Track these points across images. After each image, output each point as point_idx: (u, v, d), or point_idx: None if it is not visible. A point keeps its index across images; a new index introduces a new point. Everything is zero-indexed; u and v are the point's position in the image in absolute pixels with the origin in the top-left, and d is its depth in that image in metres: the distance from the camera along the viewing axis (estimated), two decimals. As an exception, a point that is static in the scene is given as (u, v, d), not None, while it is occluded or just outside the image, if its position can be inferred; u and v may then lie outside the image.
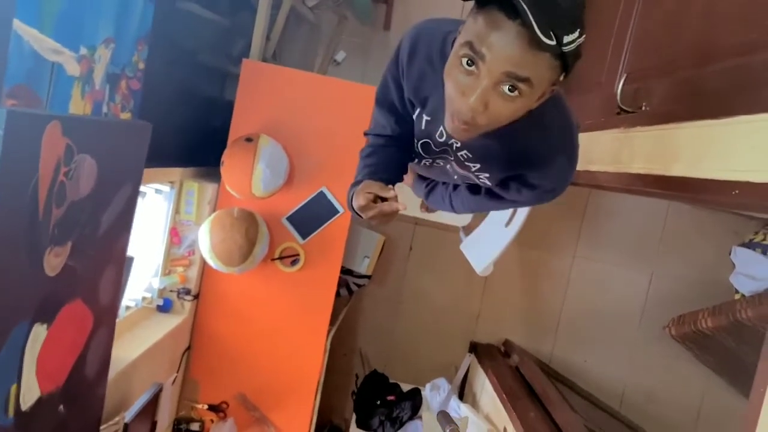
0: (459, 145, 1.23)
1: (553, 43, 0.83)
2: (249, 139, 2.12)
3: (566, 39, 0.85)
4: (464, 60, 0.90)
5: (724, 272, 2.71)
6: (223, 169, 2.13)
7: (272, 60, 2.52)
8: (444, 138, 1.23)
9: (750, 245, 2.64)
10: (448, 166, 1.35)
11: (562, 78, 0.95)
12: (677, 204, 3.08)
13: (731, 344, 2.57)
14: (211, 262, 2.08)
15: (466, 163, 1.26)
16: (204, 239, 2.06)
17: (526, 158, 1.17)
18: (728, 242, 2.83)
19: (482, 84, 0.89)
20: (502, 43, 0.85)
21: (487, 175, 1.26)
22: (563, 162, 1.16)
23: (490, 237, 2.34)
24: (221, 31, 2.40)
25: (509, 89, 0.89)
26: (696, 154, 1.23)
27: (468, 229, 2.54)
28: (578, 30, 0.87)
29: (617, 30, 1.95)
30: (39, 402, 1.26)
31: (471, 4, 0.92)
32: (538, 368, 2.81)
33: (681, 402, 3.17)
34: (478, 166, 1.25)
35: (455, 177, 1.40)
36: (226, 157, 2.13)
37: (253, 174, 2.08)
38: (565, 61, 0.89)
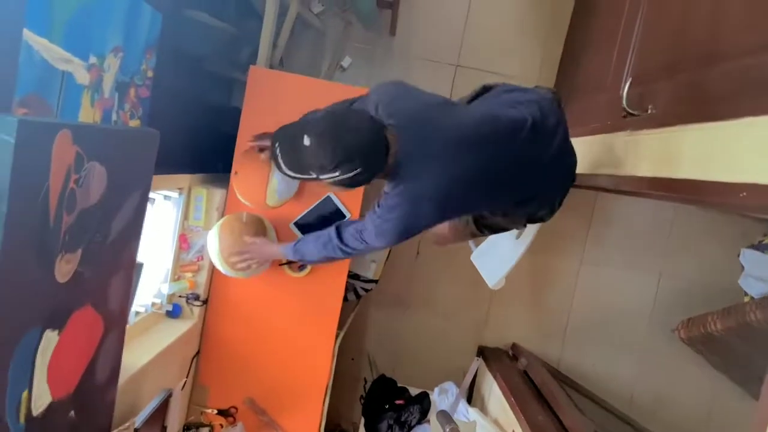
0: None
1: (308, 176, 1.40)
2: (262, 150, 2.13)
3: (323, 176, 1.37)
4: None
5: (732, 275, 2.70)
6: (236, 180, 2.14)
7: (279, 66, 2.54)
8: None
9: (759, 247, 2.63)
10: None
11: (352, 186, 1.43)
12: (684, 206, 3.06)
13: (741, 347, 2.56)
14: (220, 267, 2.09)
15: None
16: (213, 244, 2.07)
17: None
18: (737, 244, 2.82)
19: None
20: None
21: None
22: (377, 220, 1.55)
23: (502, 250, 2.36)
24: (228, 39, 2.41)
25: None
26: (703, 157, 1.23)
27: (477, 240, 2.54)
28: (337, 172, 1.35)
29: (622, 34, 1.95)
30: (50, 408, 1.26)
31: None
32: (546, 372, 2.80)
33: (690, 405, 3.15)
34: None
35: None
36: (239, 168, 2.14)
37: (269, 185, 2.10)
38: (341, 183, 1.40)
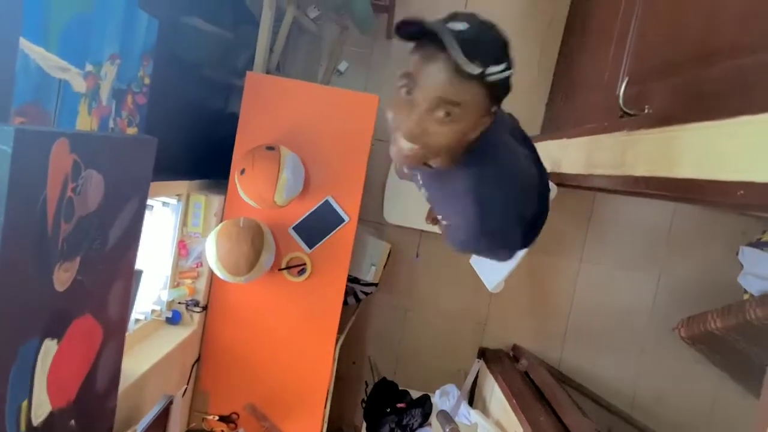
0: (421, 182, 1.34)
1: (479, 71, 0.95)
2: (270, 148, 2.12)
3: (491, 69, 0.97)
4: (403, 90, 1.02)
5: (732, 273, 2.70)
6: (243, 178, 2.11)
7: (276, 72, 2.54)
8: (413, 171, 1.37)
9: (758, 245, 2.63)
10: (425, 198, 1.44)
11: (494, 109, 1.07)
12: (683, 205, 3.07)
13: (741, 345, 2.55)
14: (218, 272, 2.09)
15: (428, 202, 1.39)
16: (211, 250, 2.07)
17: (453, 204, 1.24)
18: (735, 242, 2.82)
19: (420, 108, 1.00)
20: (434, 71, 0.98)
21: (441, 216, 1.36)
22: (473, 216, 1.18)
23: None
24: (225, 45, 2.42)
25: (444, 114, 1.00)
26: (700, 156, 1.23)
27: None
28: (504, 64, 1.00)
29: (618, 33, 1.95)
30: (50, 417, 1.26)
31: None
32: (547, 372, 2.80)
33: (692, 403, 3.15)
34: (433, 205, 1.38)
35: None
36: (246, 165, 2.11)
37: (278, 182, 2.08)
38: (493, 91, 1.01)
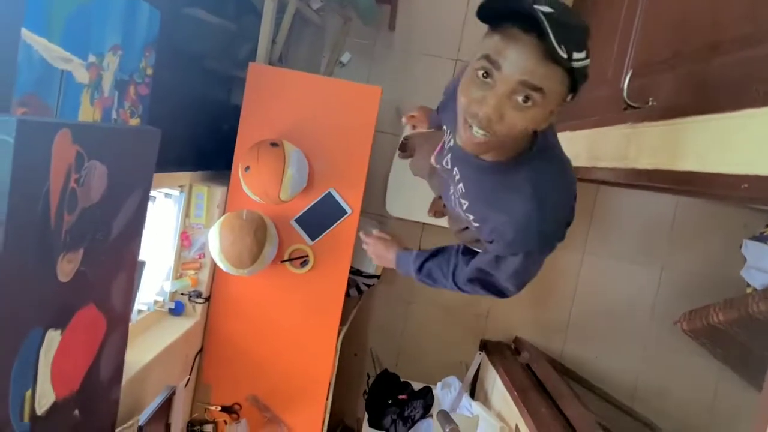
0: (458, 177, 1.27)
1: (566, 56, 0.89)
2: (275, 144, 2.12)
3: (576, 56, 0.90)
4: (480, 72, 0.95)
5: (735, 266, 2.70)
6: (248, 175, 2.11)
7: (278, 63, 2.53)
8: (449, 164, 1.31)
9: (761, 238, 2.62)
10: (451, 194, 1.37)
11: (570, 98, 1.00)
12: (686, 198, 3.06)
13: (743, 338, 2.55)
14: (221, 264, 2.09)
15: (461, 200, 1.29)
16: (214, 242, 2.07)
17: (503, 198, 1.15)
18: (739, 236, 2.82)
19: (499, 92, 0.94)
20: (519, 54, 0.91)
21: (473, 216, 1.27)
22: (530, 210, 1.11)
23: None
24: (227, 36, 2.41)
25: (523, 99, 0.93)
26: (704, 149, 1.23)
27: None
28: (585, 51, 0.93)
29: (623, 25, 1.94)
30: (54, 407, 1.27)
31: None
32: (549, 365, 2.80)
33: (693, 396, 3.15)
34: (467, 204, 1.27)
35: (455, 211, 1.40)
36: (251, 162, 2.10)
37: (284, 179, 2.08)
38: (574, 79, 0.95)
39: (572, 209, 1.22)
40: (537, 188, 1.11)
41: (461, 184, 1.27)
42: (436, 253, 1.55)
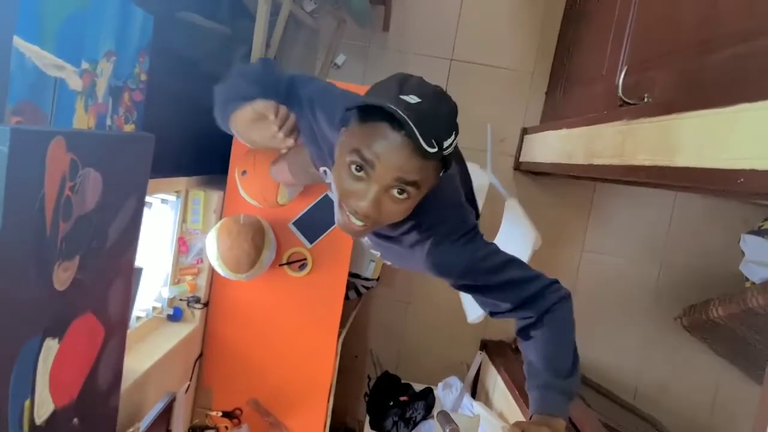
0: (369, 243, 1.32)
1: (436, 150, 0.90)
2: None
3: (446, 143, 0.93)
4: (353, 166, 0.95)
5: (733, 261, 2.70)
6: (245, 179, 2.11)
7: (273, 66, 2.52)
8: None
9: (759, 233, 2.63)
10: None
11: (442, 173, 1.03)
12: (684, 194, 3.06)
13: (743, 332, 2.56)
14: (219, 269, 2.09)
15: (372, 251, 1.35)
16: (211, 247, 2.07)
17: (416, 257, 1.18)
18: (737, 230, 2.82)
19: (373, 189, 0.95)
20: (390, 153, 0.91)
21: (390, 263, 1.35)
22: (424, 260, 1.15)
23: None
24: (221, 40, 2.40)
25: (398, 192, 0.95)
26: (700, 144, 1.23)
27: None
28: (454, 133, 0.96)
29: (617, 22, 1.94)
30: (53, 416, 1.26)
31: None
32: (550, 364, 2.80)
33: (695, 392, 3.15)
34: (381, 254, 1.33)
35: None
36: (248, 167, 2.10)
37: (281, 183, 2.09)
38: (445, 161, 0.98)
39: (466, 201, 1.26)
40: (433, 257, 1.14)
41: (373, 250, 1.34)
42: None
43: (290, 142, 1.05)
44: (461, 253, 1.13)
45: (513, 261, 1.17)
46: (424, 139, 0.87)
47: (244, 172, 2.09)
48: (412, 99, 0.90)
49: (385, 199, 0.96)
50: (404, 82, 0.96)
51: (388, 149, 0.91)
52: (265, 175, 2.07)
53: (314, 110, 1.21)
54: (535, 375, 1.19)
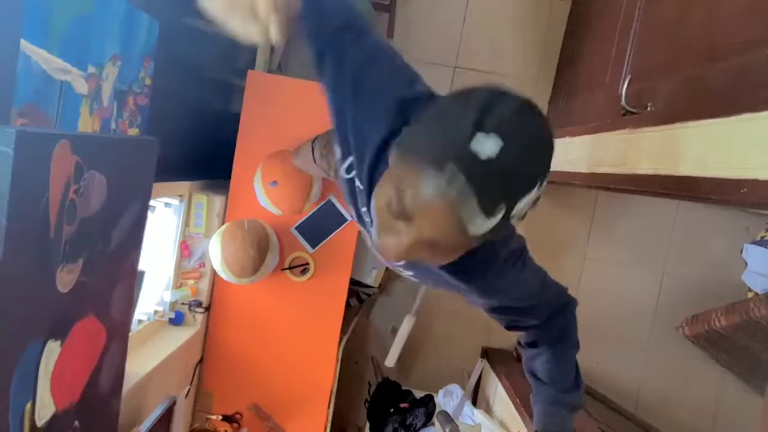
0: (402, 265, 1.09)
1: (499, 218, 0.71)
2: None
3: (519, 205, 0.72)
4: (392, 206, 0.74)
5: (736, 270, 2.70)
6: (274, 190, 2.13)
7: (277, 71, 2.54)
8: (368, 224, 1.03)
9: (762, 243, 2.62)
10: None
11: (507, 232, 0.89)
12: (686, 203, 3.06)
13: (746, 343, 2.55)
14: (223, 274, 2.09)
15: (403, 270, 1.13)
16: (215, 252, 2.07)
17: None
18: (739, 240, 2.82)
19: (406, 239, 0.75)
20: (433, 214, 0.70)
21: (417, 281, 1.16)
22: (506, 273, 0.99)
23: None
24: (226, 44, 2.42)
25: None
26: (703, 153, 1.23)
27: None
28: (538, 185, 0.73)
29: (620, 31, 1.95)
30: (54, 418, 1.26)
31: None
32: (551, 372, 2.79)
33: (697, 402, 3.14)
34: (411, 273, 1.12)
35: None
36: (278, 178, 2.13)
37: (310, 194, 2.12)
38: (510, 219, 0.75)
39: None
40: (488, 266, 0.97)
41: (405, 270, 1.12)
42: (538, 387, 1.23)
43: (273, 29, 0.82)
44: (516, 280, 1.01)
45: (549, 281, 1.10)
46: (484, 210, 0.68)
47: (274, 183, 2.11)
48: (490, 145, 0.66)
49: (420, 250, 0.76)
50: (488, 109, 0.70)
51: (433, 208, 0.69)
52: (295, 185, 2.09)
53: (359, 86, 0.94)
54: (539, 387, 1.17)
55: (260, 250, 2.09)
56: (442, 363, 3.18)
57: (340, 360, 2.45)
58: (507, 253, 0.97)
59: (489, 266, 0.96)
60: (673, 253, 3.13)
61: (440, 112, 0.75)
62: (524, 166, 0.70)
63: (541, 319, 1.11)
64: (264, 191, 2.15)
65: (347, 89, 0.95)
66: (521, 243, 1.03)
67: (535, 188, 0.72)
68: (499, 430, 2.37)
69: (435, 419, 2.26)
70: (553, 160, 0.76)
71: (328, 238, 2.31)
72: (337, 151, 1.02)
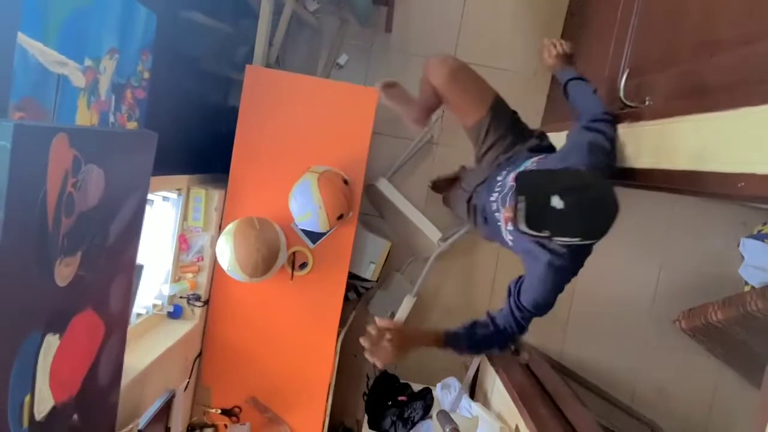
0: (511, 237, 1.65)
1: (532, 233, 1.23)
2: (346, 182, 2.19)
3: (544, 234, 1.24)
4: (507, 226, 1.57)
5: (733, 264, 2.70)
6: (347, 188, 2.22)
7: (275, 65, 2.53)
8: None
9: (758, 237, 2.63)
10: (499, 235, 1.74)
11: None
12: (683, 197, 3.06)
13: (742, 336, 2.56)
14: (234, 273, 2.07)
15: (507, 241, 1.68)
16: (225, 251, 2.06)
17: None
18: (736, 234, 2.82)
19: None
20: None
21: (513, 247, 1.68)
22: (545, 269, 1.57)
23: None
24: (224, 39, 2.41)
25: None
26: (700, 148, 1.23)
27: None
28: (574, 236, 1.28)
29: (619, 25, 1.94)
30: (53, 411, 1.27)
31: None
32: (548, 365, 2.80)
33: (693, 395, 3.15)
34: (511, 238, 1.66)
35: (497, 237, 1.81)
36: (345, 210, 2.21)
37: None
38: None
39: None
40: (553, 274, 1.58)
41: (511, 242, 1.67)
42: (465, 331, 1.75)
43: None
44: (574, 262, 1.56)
45: (544, 291, 1.72)
46: (530, 224, 1.19)
47: (345, 215, 2.21)
48: (556, 203, 1.15)
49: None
50: (574, 189, 1.18)
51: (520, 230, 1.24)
52: (337, 204, 2.14)
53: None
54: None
55: (272, 249, 2.09)
56: (440, 356, 3.17)
57: (338, 353, 2.45)
58: (553, 253, 1.48)
59: (544, 247, 1.48)
60: (671, 246, 3.13)
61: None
62: (567, 221, 1.19)
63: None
64: (317, 185, 2.13)
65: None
66: (564, 265, 1.54)
67: (570, 239, 1.26)
68: (496, 423, 2.38)
69: (435, 418, 2.27)
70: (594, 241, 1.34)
71: (328, 233, 2.31)
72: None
